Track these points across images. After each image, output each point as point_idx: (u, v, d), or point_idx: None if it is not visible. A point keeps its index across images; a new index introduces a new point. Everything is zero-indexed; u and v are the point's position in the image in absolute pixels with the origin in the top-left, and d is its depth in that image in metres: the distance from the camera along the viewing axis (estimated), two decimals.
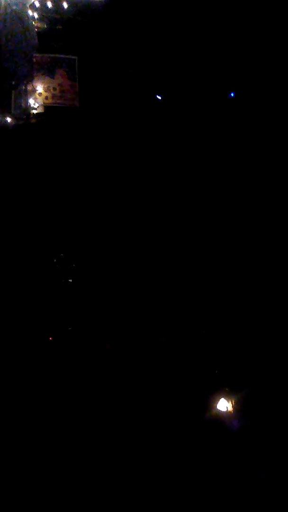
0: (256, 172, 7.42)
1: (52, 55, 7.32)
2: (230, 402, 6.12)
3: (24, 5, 6.71)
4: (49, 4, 6.96)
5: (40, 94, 7.39)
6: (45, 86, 7.40)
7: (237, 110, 7.51)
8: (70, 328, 6.82)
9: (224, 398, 6.14)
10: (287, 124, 7.30)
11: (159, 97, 7.53)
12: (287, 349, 6.42)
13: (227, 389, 6.23)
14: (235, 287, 7.03)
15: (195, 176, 7.58)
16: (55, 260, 7.16)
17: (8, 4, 6.56)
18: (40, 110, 7.40)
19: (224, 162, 7.54)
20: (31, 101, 7.32)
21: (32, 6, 6.87)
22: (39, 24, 7.04)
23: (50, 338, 6.70)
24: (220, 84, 7.53)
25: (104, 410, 6.10)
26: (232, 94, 7.52)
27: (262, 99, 7.45)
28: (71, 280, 7.16)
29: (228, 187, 7.49)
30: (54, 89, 7.43)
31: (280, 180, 7.32)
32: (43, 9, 6.98)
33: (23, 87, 7.29)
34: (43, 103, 7.40)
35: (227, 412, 6.07)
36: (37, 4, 6.91)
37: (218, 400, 6.14)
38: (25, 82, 7.24)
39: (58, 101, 7.45)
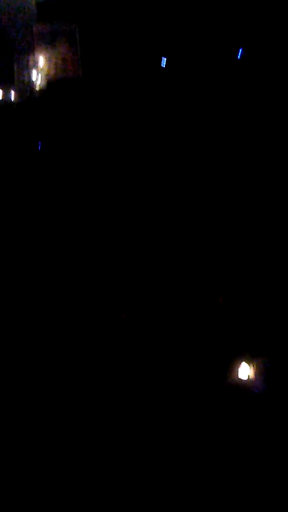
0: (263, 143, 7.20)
1: (52, 25, 7.14)
2: (251, 368, 6.01)
3: None
4: None
5: (42, 66, 7.24)
6: (47, 58, 7.24)
7: (244, 72, 7.25)
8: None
9: (246, 364, 6.03)
10: None
11: (164, 59, 7.30)
12: None
13: (248, 355, 6.10)
14: (256, 254, 6.85)
15: (202, 145, 7.36)
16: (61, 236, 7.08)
17: None
18: (43, 82, 7.26)
19: (230, 131, 7.31)
20: (33, 74, 7.19)
21: None
22: None
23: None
24: (224, 52, 7.28)
25: (126, 375, 6.13)
26: (239, 56, 7.25)
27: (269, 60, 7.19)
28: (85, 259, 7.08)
29: (237, 155, 7.27)
30: (56, 59, 7.27)
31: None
32: None
33: (25, 60, 7.15)
34: (46, 75, 7.25)
35: (248, 378, 5.97)
36: None
37: (240, 367, 6.03)
38: (26, 54, 7.10)
39: (60, 72, 7.29)
